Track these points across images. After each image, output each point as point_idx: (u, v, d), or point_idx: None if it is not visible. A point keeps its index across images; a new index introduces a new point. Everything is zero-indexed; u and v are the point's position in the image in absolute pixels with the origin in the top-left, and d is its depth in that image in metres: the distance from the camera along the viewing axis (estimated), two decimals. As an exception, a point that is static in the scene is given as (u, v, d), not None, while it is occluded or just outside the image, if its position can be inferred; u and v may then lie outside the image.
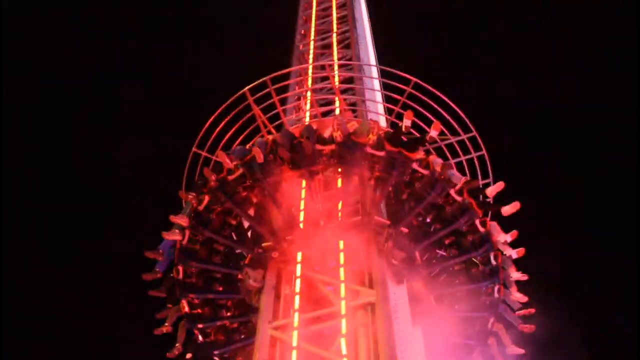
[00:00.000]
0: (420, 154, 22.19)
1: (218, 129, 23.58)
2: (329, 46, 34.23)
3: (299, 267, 22.13)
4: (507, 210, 22.40)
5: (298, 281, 21.70)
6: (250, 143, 23.69)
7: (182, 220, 22.36)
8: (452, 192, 22.16)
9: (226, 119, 23.61)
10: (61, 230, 55.07)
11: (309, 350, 20.13)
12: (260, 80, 23.30)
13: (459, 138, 23.87)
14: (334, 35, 34.22)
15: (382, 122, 25.12)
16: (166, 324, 23.14)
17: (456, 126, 23.71)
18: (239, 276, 22.98)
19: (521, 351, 22.94)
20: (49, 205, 55.31)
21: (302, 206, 22.85)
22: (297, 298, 21.13)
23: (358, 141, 21.88)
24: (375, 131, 21.81)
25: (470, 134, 23.87)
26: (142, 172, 55.38)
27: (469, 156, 24.06)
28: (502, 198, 22.51)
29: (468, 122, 23.47)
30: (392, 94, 24.20)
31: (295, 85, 27.17)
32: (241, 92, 23.40)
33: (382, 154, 21.89)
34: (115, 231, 53.70)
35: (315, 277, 21.65)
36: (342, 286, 20.78)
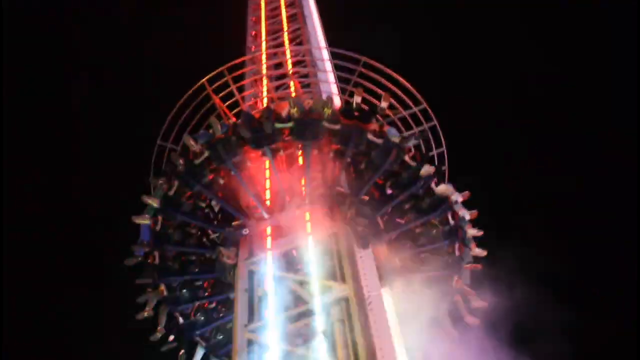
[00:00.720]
0: (374, 125, 24.09)
1: (180, 120, 25.21)
2: (281, 45, 35.89)
3: (269, 240, 24.01)
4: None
5: (269, 255, 23.43)
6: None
7: (153, 200, 23.97)
8: (406, 158, 24.12)
9: (187, 111, 25.34)
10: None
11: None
12: (218, 70, 25.10)
13: (411, 111, 25.79)
14: (285, 34, 35.80)
15: (337, 101, 26.96)
16: (147, 309, 24.71)
17: (407, 100, 25.57)
18: (214, 256, 24.80)
19: (484, 304, 24.87)
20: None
21: (267, 184, 24.70)
22: (270, 295, 22.18)
23: (314, 117, 23.74)
24: (330, 106, 23.71)
25: (421, 107, 25.82)
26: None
27: (421, 127, 25.97)
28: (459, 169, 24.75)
29: (418, 95, 25.42)
30: (343, 74, 26.20)
31: (251, 73, 28.94)
32: (200, 82, 25.17)
33: (338, 127, 23.74)
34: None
35: (288, 276, 22.78)
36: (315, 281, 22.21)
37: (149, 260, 24.54)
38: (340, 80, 27.20)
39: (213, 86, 25.25)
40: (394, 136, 23.98)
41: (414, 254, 25.17)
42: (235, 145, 23.89)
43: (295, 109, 23.65)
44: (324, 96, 26.01)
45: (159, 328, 24.53)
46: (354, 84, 25.82)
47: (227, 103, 25.70)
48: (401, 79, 25.39)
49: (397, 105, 25.31)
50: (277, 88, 28.75)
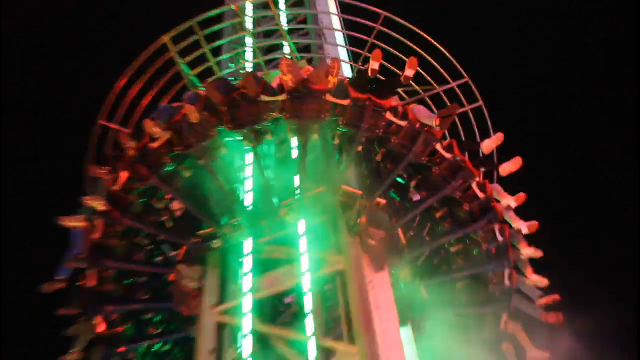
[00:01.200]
0: (395, 102, 17.86)
1: (131, 93, 18.41)
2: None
3: (248, 258, 17.61)
4: (507, 168, 18.17)
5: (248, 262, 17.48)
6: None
7: (96, 201, 17.50)
8: (438, 147, 17.78)
9: (141, 80, 18.49)
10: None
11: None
12: (185, 24, 18.65)
13: (447, 86, 19.44)
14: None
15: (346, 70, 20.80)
16: (75, 349, 18.15)
17: (443, 72, 19.07)
18: (171, 277, 18.25)
19: (545, 356, 18.37)
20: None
21: (248, 179, 18.34)
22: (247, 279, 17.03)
23: (314, 88, 17.14)
24: (335, 72, 17.48)
25: (462, 81, 19.46)
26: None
27: (462, 109, 19.56)
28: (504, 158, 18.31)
29: (458, 65, 19.07)
30: (357, 34, 19.55)
31: (232, 29, 22.56)
32: (159, 41, 18.40)
33: (346, 102, 17.34)
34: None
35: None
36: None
37: (79, 283, 18.11)
38: (351, 43, 20.78)
39: (178, 46, 18.91)
40: (423, 116, 17.78)
41: (447, 282, 18.84)
42: (206, 124, 17.45)
43: (289, 76, 17.36)
44: (328, 61, 19.58)
45: None
46: (370, 47, 19.37)
47: (196, 70, 19.27)
48: (434, 42, 18.94)
49: (428, 78, 19.05)
50: (268, 63, 22.24)
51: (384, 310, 16.57)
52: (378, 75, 17.70)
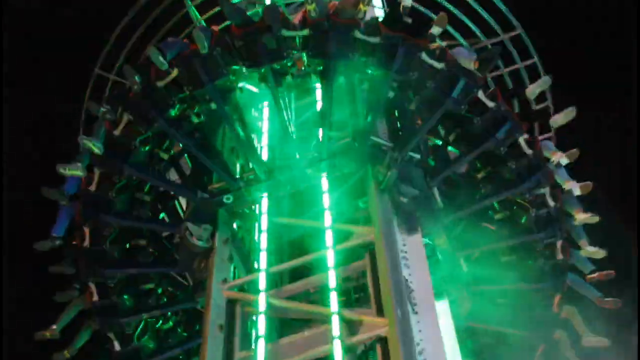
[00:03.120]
0: (431, 40, 16.22)
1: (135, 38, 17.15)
2: None
3: (264, 218, 15.86)
4: (559, 119, 16.35)
5: (264, 236, 15.46)
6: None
7: (94, 145, 15.67)
8: (481, 95, 16.02)
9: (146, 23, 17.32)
10: None
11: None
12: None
13: (496, 39, 17.74)
14: None
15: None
16: (54, 327, 16.27)
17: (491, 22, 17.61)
18: (177, 236, 16.50)
19: (604, 342, 16.13)
20: None
21: (265, 126, 16.67)
22: (263, 255, 14.95)
23: (342, 22, 15.64)
24: (366, 2, 15.98)
25: (514, 33, 17.80)
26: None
27: (512, 67, 17.76)
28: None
29: (508, 14, 17.37)
30: None
31: None
32: None
33: (377, 39, 15.64)
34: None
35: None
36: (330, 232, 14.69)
37: (73, 242, 16.35)
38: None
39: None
40: (463, 58, 16.05)
41: (490, 253, 16.79)
42: (219, 62, 15.63)
43: (313, 6, 15.90)
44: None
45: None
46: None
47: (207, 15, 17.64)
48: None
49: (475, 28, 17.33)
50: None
51: (418, 280, 14.58)
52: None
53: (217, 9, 18.05)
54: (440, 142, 17.05)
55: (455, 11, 17.77)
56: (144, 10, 16.92)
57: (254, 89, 16.81)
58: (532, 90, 16.32)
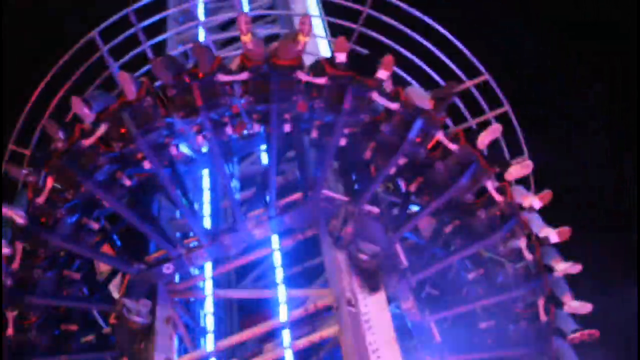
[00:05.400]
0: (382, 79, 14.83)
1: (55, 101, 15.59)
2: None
3: (209, 284, 14.73)
4: (514, 172, 14.91)
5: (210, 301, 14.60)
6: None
7: (17, 215, 14.22)
8: (441, 136, 14.72)
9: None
10: None
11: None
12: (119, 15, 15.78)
13: (463, 87, 15.92)
14: None
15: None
16: None
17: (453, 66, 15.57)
18: (112, 318, 14.69)
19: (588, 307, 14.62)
20: None
21: (207, 184, 15.29)
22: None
23: (282, 63, 14.36)
24: (306, 31, 13.91)
25: (480, 79, 15.73)
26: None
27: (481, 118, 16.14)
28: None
29: (474, 59, 15.74)
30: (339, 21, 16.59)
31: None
32: (89, 36, 15.34)
33: (322, 81, 14.44)
34: None
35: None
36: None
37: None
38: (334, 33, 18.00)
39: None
40: (417, 97, 14.72)
41: (465, 318, 15.29)
42: (151, 111, 14.31)
43: (252, 50, 14.60)
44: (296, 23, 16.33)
45: None
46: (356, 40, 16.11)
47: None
48: (443, 30, 15.71)
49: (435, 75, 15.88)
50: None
51: (385, 345, 13.08)
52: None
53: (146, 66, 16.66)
54: (400, 193, 15.73)
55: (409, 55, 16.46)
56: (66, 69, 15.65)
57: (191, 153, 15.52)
58: (483, 138, 14.90)
